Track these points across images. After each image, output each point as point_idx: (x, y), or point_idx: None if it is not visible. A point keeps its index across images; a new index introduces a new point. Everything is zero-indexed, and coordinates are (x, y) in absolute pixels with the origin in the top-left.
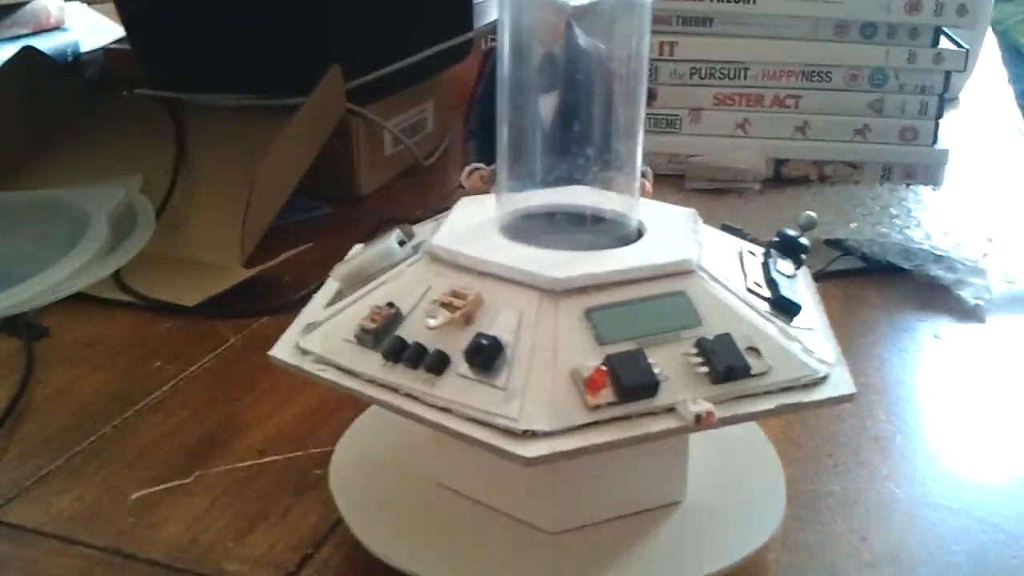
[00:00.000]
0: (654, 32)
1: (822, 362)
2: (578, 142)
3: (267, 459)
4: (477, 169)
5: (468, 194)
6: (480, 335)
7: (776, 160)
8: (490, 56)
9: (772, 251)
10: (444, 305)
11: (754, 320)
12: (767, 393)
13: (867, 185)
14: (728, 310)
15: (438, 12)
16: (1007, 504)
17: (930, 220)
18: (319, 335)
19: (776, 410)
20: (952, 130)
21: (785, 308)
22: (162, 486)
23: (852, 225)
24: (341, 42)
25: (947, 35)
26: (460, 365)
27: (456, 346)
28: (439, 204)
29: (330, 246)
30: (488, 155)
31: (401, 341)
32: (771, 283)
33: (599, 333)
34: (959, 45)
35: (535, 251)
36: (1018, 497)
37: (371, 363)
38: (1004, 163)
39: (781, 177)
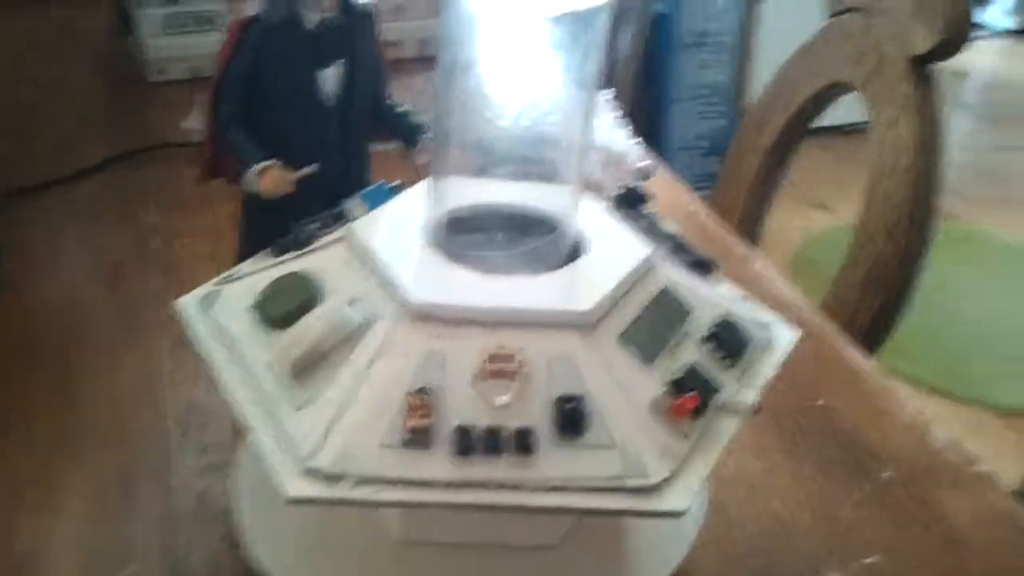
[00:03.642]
0: None
1: (763, 310)
2: (525, 135)
3: None
4: (268, 168)
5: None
6: (563, 399)
7: None
8: (250, 28)
9: (645, 212)
10: (494, 375)
11: (713, 292)
12: (763, 355)
13: None
14: (693, 291)
15: None
16: None
17: None
18: (339, 450)
19: (776, 368)
20: None
21: (706, 267)
22: None
23: None
24: None
25: None
26: (544, 435)
27: (523, 416)
28: None
29: None
30: (264, 146)
31: (465, 431)
32: (680, 247)
33: (643, 354)
34: None
35: (528, 281)
36: None
37: (436, 465)
38: None
39: None
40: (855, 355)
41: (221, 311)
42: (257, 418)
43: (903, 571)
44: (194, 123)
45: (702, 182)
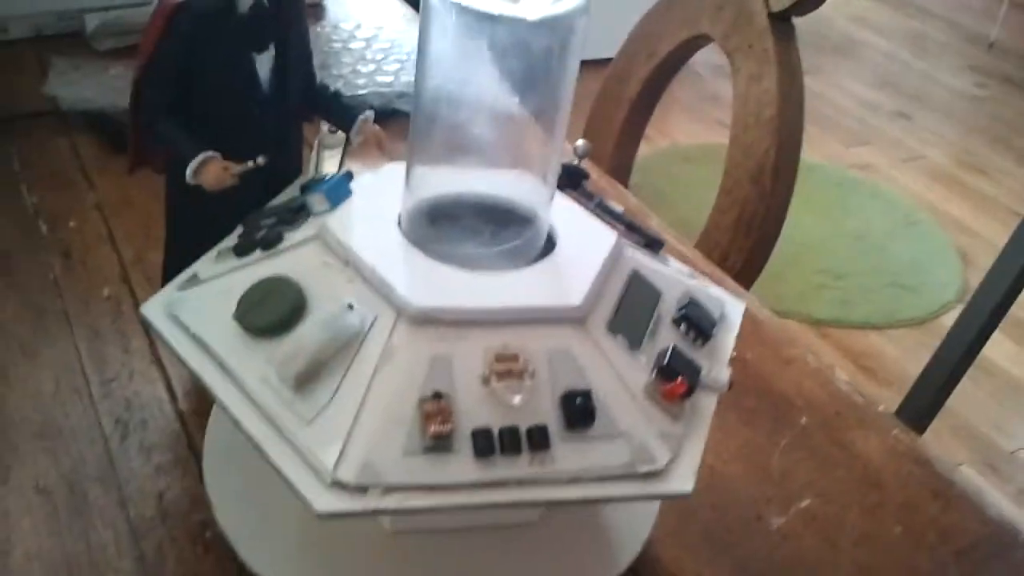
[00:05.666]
0: None
1: (711, 286)
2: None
3: None
4: (209, 160)
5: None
6: (571, 393)
7: None
8: (180, 15)
9: (593, 193)
10: (503, 375)
11: (672, 271)
12: (724, 331)
13: None
14: (661, 274)
15: None
16: None
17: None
18: (361, 461)
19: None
20: None
21: (657, 245)
22: None
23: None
24: None
25: None
26: (555, 430)
27: (535, 413)
28: None
29: None
30: (200, 137)
31: (484, 433)
32: (631, 227)
33: (629, 342)
34: None
35: (516, 277)
36: None
37: (459, 469)
38: None
39: None
40: (754, 303)
41: (194, 321)
42: (266, 434)
43: (835, 511)
44: (53, 88)
45: None
